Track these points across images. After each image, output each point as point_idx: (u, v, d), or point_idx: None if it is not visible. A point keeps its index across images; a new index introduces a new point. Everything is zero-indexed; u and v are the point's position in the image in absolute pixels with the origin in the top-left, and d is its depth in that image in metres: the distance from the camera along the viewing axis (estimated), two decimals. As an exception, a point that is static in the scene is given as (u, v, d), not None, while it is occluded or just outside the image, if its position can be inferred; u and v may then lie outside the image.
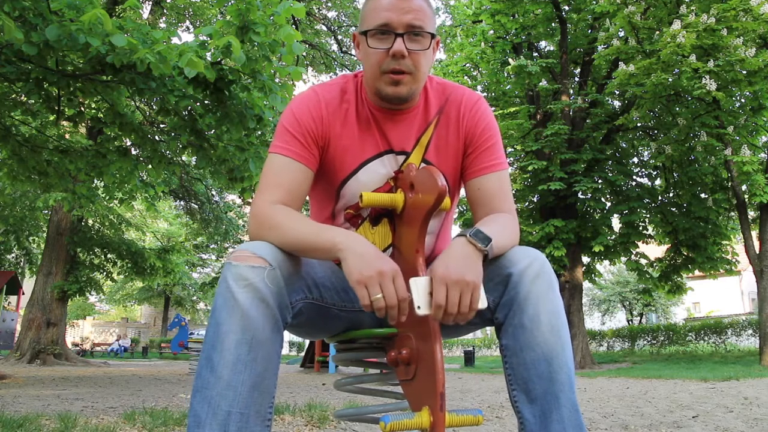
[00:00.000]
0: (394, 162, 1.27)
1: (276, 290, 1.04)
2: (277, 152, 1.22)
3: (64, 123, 6.56)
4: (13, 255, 20.28)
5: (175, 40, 4.90)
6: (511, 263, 1.11)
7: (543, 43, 15.48)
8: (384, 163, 1.27)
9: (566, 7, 13.68)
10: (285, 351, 35.40)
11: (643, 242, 13.62)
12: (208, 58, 4.76)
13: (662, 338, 19.08)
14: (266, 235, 1.12)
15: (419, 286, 0.99)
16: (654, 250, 15.47)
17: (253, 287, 1.02)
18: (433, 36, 1.20)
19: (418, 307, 0.98)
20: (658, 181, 14.56)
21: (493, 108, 13.99)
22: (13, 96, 5.78)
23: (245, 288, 1.02)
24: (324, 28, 18.84)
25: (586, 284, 15.35)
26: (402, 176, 1.24)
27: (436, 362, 0.95)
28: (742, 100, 11.93)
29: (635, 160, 15.35)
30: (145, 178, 8.93)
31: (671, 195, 13.92)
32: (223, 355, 1.00)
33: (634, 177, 14.49)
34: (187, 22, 16.74)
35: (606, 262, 15.06)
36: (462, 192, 1.41)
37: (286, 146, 1.22)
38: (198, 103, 5.46)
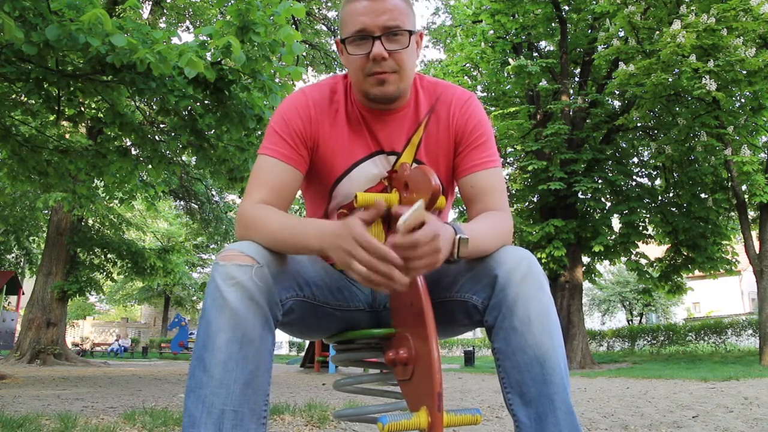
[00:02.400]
0: (385, 162, 1.27)
1: (265, 288, 1.05)
2: (264, 153, 1.23)
3: (64, 123, 6.57)
4: (13, 255, 20.28)
5: (175, 40, 4.91)
6: (497, 264, 1.10)
7: (543, 43, 15.48)
8: (376, 163, 1.27)
9: (566, 7, 13.67)
10: (285, 351, 35.40)
11: (643, 242, 13.61)
12: (208, 58, 4.76)
13: (662, 338, 19.08)
14: (249, 235, 1.13)
15: (415, 206, 0.97)
16: (654, 250, 15.46)
17: (242, 286, 1.02)
18: (411, 33, 1.20)
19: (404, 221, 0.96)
20: (658, 181, 14.56)
21: (493, 108, 14.00)
22: (13, 96, 5.78)
23: (234, 287, 1.02)
24: (324, 28, 18.84)
25: (586, 284, 15.35)
26: (396, 176, 1.24)
27: (433, 362, 0.95)
28: (742, 100, 11.92)
29: (635, 160, 15.35)
30: (145, 178, 8.93)
31: (671, 195, 13.91)
32: (215, 354, 1.00)
33: (634, 177, 14.49)
34: (187, 22, 16.74)
35: (606, 262, 15.05)
36: (457, 190, 1.41)
37: (273, 147, 1.23)
38: (198, 103, 5.46)
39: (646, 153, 15.31)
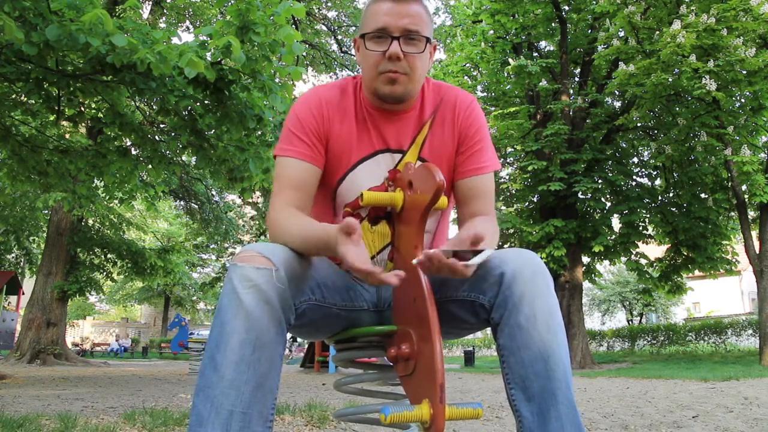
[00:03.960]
0: (390, 160, 1.30)
1: (280, 291, 1.06)
2: (282, 155, 1.27)
3: (64, 123, 6.56)
4: (13, 255, 20.27)
5: (175, 40, 4.90)
6: (505, 263, 1.13)
7: (543, 43, 15.47)
8: (379, 161, 1.30)
9: (566, 7, 13.67)
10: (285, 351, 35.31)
11: (643, 242, 13.61)
12: (208, 58, 4.76)
13: (662, 338, 19.08)
14: (276, 239, 1.18)
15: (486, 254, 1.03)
16: (654, 250, 15.46)
17: (258, 288, 1.03)
18: (428, 40, 1.24)
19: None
20: (658, 181, 14.56)
21: (492, 108, 14.00)
22: (13, 96, 5.77)
23: (250, 289, 1.03)
24: (324, 28, 18.84)
25: (586, 284, 15.34)
26: (400, 175, 1.25)
27: (435, 354, 0.95)
28: (742, 100, 11.92)
29: (635, 160, 15.35)
30: (145, 178, 8.93)
31: (671, 195, 13.91)
32: (227, 354, 1.00)
33: (634, 177, 14.49)
34: (187, 22, 16.74)
35: (606, 262, 15.05)
36: None
37: (290, 147, 1.26)
38: (198, 103, 5.46)
39: (646, 153, 15.31)
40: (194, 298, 34.43)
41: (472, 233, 1.04)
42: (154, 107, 6.70)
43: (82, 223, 14.80)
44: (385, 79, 1.22)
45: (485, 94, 15.11)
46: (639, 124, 13.49)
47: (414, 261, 1.02)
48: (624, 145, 14.88)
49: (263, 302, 1.03)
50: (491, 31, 13.53)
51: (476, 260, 1.00)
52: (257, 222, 22.34)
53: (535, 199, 14.13)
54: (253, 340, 1.01)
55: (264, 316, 1.03)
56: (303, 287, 1.14)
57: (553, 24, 13.67)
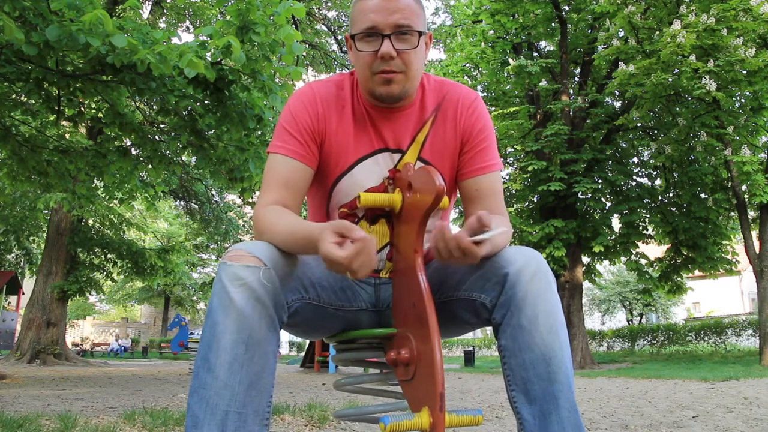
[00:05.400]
0: (389, 160, 1.27)
1: (271, 289, 1.04)
2: (275, 151, 1.23)
3: (64, 123, 6.56)
4: (13, 255, 20.27)
5: (175, 40, 4.90)
6: (507, 263, 1.11)
7: (543, 43, 15.47)
8: (378, 161, 1.27)
9: (566, 7, 13.67)
10: (285, 351, 35.36)
11: (643, 242, 13.61)
12: (208, 58, 4.76)
13: (662, 338, 19.09)
14: (261, 237, 1.15)
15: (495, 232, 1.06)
16: (654, 250, 15.46)
17: (248, 287, 1.02)
18: (421, 33, 1.19)
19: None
20: (658, 181, 14.56)
21: (493, 108, 14.00)
22: (13, 96, 5.77)
23: (240, 287, 1.02)
24: (324, 28, 18.83)
25: (586, 284, 15.34)
26: (399, 176, 1.23)
27: (435, 362, 0.95)
28: (742, 100, 11.92)
29: (635, 160, 15.35)
30: (145, 178, 8.93)
31: (671, 195, 13.92)
32: (220, 354, 1.00)
33: (634, 177, 14.49)
34: (187, 22, 16.73)
35: (606, 262, 15.05)
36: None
37: (283, 145, 1.23)
38: (198, 103, 5.46)
39: (646, 153, 15.30)
40: (194, 298, 34.43)
41: (475, 216, 1.03)
42: (154, 107, 6.70)
43: (82, 223, 14.79)
44: (380, 79, 1.18)
45: (485, 94, 15.10)
46: (639, 124, 13.48)
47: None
48: (624, 145, 14.87)
49: (254, 300, 1.02)
50: (491, 31, 13.52)
51: (485, 235, 1.02)
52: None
53: (535, 199, 14.13)
54: (245, 339, 1.00)
55: (255, 315, 1.02)
56: (295, 285, 1.13)
57: (553, 24, 13.67)
